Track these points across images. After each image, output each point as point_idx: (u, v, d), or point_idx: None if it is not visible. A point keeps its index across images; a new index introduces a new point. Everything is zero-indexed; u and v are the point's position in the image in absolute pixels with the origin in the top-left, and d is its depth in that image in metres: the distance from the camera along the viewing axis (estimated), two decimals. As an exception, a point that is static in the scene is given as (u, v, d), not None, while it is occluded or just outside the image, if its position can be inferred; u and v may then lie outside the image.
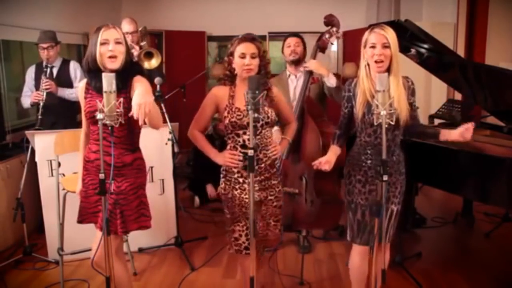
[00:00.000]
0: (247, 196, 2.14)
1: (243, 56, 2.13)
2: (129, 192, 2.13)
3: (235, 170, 2.17)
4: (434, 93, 5.22)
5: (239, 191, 2.18)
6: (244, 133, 2.14)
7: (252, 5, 6.01)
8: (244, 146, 2.14)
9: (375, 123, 1.92)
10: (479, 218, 3.95)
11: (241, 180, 2.18)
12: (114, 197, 2.10)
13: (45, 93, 3.41)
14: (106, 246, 1.95)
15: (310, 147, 2.80)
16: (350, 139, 2.36)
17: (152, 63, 3.71)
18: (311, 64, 3.01)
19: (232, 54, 2.18)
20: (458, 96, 4.71)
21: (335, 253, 3.39)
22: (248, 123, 2.04)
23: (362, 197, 2.22)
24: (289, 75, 3.23)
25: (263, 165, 2.17)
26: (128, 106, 1.99)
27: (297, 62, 3.19)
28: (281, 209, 2.31)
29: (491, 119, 3.47)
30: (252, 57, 2.13)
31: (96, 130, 2.08)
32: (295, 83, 3.21)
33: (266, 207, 2.24)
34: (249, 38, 2.16)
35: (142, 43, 3.79)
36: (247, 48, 2.13)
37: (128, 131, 2.11)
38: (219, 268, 3.16)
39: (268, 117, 2.17)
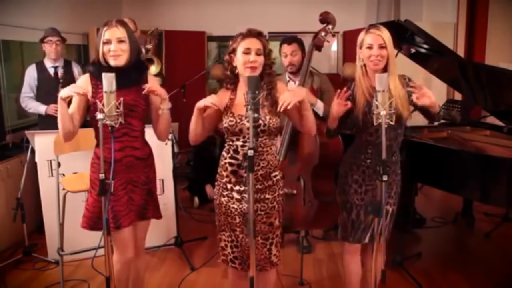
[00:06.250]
0: (234, 205, 2.03)
1: (247, 51, 1.92)
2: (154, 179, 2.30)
3: (224, 174, 2.03)
4: (434, 93, 5.12)
5: (226, 198, 2.04)
6: (237, 139, 2.00)
7: (252, 5, 6.01)
8: (236, 151, 2.00)
9: (375, 123, 1.92)
10: (479, 218, 3.94)
11: (229, 186, 2.03)
12: (146, 187, 2.21)
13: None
14: (106, 246, 1.95)
15: (307, 147, 2.79)
16: (349, 139, 2.36)
17: (152, 70, 3.72)
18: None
19: (234, 51, 1.97)
20: (458, 96, 4.70)
21: (335, 253, 3.39)
22: (240, 130, 1.97)
23: (358, 197, 2.22)
24: (288, 81, 3.18)
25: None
26: (146, 99, 2.15)
27: (296, 71, 3.10)
28: (275, 228, 2.07)
29: (491, 119, 3.47)
30: (258, 54, 1.93)
31: (118, 129, 1.98)
32: (294, 87, 3.17)
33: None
34: (255, 33, 1.96)
35: (148, 46, 3.76)
36: (252, 43, 1.93)
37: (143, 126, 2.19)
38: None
39: (264, 125, 1.96)
